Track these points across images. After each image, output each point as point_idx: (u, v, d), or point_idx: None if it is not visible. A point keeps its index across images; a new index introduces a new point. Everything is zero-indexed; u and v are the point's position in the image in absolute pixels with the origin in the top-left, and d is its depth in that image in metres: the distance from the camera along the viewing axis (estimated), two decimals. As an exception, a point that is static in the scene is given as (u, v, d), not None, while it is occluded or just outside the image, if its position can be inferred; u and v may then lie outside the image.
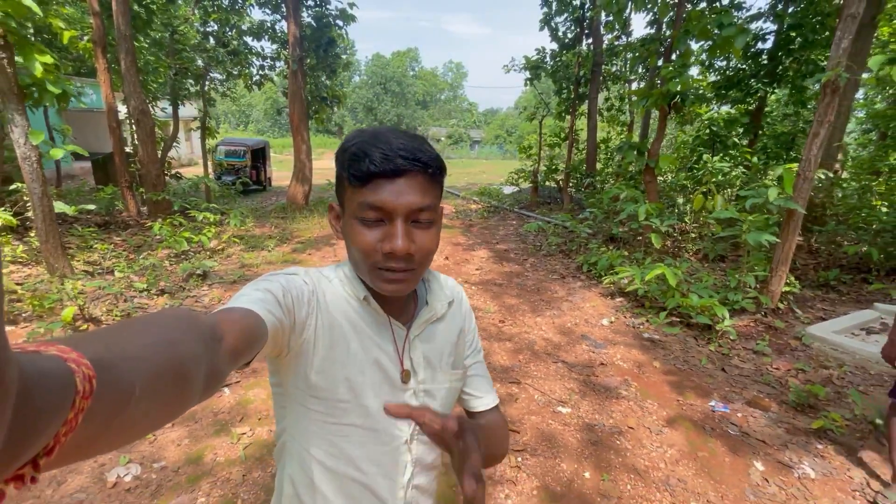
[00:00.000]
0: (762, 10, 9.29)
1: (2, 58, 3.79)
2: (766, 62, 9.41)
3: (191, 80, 8.95)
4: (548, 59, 11.19)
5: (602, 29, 10.73)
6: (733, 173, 6.83)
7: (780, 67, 9.27)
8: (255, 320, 0.51)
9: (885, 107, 10.34)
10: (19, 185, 5.00)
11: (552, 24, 11.05)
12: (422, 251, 0.64)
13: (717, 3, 9.05)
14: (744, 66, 9.78)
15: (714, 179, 6.55)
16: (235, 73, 10.07)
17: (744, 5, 9.23)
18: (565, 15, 10.95)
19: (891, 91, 10.18)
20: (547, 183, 12.30)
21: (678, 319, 4.20)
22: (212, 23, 9.39)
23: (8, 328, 3.50)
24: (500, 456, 0.83)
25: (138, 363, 0.29)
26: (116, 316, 3.65)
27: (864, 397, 2.84)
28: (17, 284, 4.04)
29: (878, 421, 2.54)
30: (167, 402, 0.31)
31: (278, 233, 7.57)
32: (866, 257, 5.53)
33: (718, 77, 10.11)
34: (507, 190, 13.80)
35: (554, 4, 10.88)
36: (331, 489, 0.70)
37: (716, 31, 5.27)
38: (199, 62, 9.06)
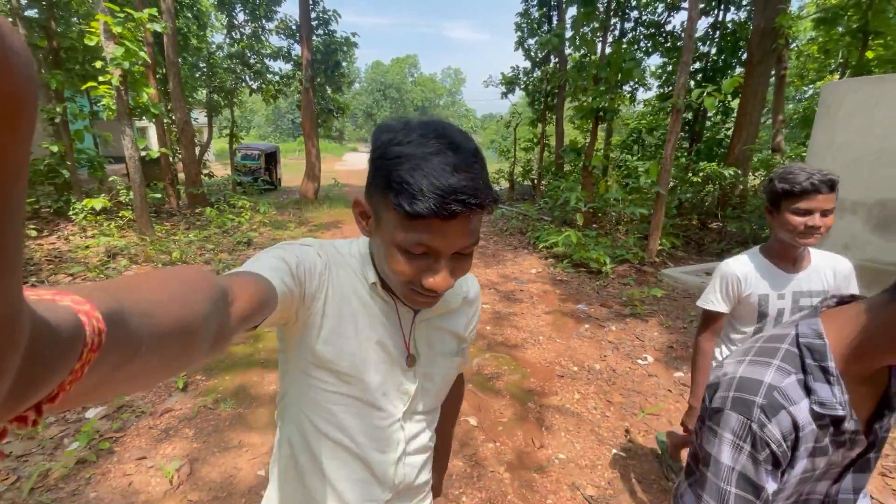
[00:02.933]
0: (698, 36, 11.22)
1: (121, 90, 5.64)
2: (700, 79, 11.31)
3: (221, 96, 10.84)
4: (521, 75, 13.07)
5: (567, 50, 12.62)
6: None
7: (710, 84, 11.18)
8: (266, 286, 0.53)
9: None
10: (115, 178, 6.84)
11: (525, 45, 12.94)
12: (457, 276, 0.64)
13: (658, 31, 10.97)
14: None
15: (630, 173, 8.40)
16: (256, 88, 11.97)
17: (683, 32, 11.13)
18: (536, 38, 12.85)
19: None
20: (525, 182, 14.17)
21: (583, 269, 6.02)
22: (238, 47, 11.29)
23: (134, 267, 5.34)
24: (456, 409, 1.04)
25: (148, 319, 0.29)
26: (201, 262, 5.49)
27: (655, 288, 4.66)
28: (124, 246, 5.88)
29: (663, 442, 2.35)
30: (173, 357, 0.32)
31: (296, 218, 9.41)
32: (741, 231, 7.38)
33: (668, 90, 12.08)
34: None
35: (526, 29, 12.79)
36: (326, 453, 0.74)
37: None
38: (229, 82, 10.94)
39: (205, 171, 11.25)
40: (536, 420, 2.75)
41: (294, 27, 11.27)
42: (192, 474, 2.19)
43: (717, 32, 11.30)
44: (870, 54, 7.32)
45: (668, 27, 12.28)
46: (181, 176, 10.20)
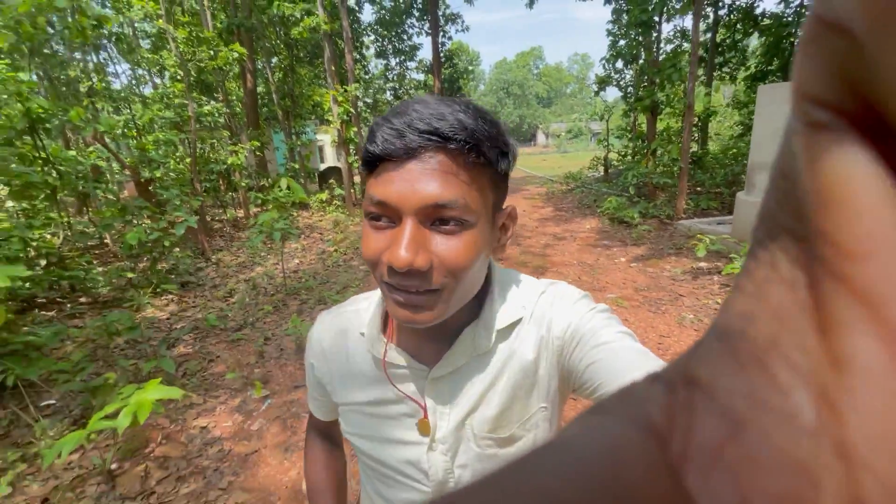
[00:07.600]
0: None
1: (340, 130, 10.04)
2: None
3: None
4: (613, 73, 15.09)
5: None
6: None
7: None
8: (329, 422, 0.76)
9: None
10: (333, 181, 11.56)
11: (617, 47, 14.94)
12: (445, 265, 0.45)
13: (747, 14, 12.24)
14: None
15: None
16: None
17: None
18: (624, 41, 14.77)
19: None
20: (620, 166, 16.11)
21: (623, 224, 8.53)
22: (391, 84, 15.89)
23: (351, 226, 9.68)
24: None
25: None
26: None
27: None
28: (345, 218, 10.34)
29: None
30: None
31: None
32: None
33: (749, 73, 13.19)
34: (591, 174, 17.83)
35: (616, 34, 14.82)
36: None
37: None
38: (387, 111, 15.65)
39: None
40: (540, 272, 5.84)
41: (428, 65, 15.36)
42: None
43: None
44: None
45: (758, 10, 13.04)
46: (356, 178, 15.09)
